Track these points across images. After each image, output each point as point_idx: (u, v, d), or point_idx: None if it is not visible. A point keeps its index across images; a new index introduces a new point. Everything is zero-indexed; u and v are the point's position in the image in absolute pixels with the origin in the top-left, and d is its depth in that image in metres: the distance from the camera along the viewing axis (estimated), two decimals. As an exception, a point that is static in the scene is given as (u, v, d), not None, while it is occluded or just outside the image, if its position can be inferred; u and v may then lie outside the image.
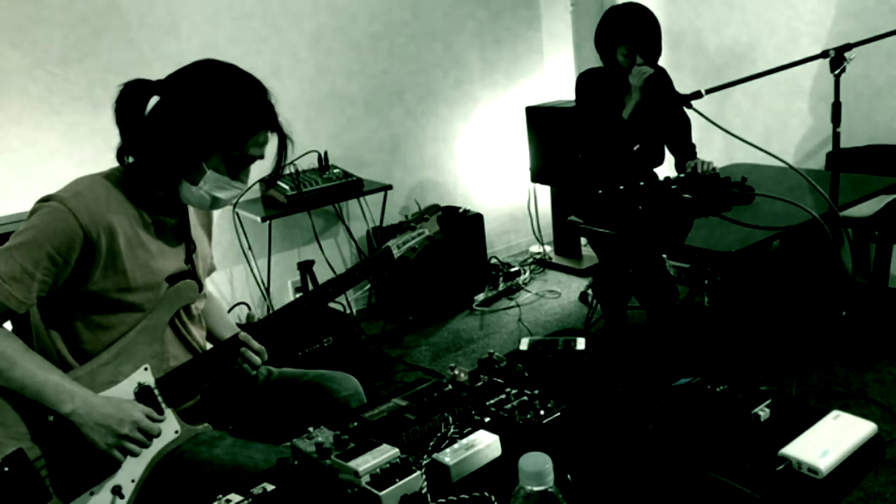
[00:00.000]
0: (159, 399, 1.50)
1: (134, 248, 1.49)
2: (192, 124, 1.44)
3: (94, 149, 3.10)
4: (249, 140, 1.49)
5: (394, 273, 3.78)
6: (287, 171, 3.37)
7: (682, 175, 2.55)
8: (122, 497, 1.44)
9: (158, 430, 1.47)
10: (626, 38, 2.83)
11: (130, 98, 1.47)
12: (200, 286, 1.65)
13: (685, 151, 3.09)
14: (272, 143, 1.55)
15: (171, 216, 1.59)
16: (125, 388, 1.47)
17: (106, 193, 1.47)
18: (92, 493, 1.42)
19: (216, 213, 1.83)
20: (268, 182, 3.37)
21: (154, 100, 1.49)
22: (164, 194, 1.54)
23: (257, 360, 1.60)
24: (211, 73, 1.49)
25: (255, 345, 1.60)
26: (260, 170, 1.63)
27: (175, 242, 1.60)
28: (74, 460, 1.41)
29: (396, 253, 1.70)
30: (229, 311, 3.53)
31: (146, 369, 1.50)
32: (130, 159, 1.52)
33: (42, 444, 1.39)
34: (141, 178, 1.51)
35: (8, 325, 1.48)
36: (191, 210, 1.67)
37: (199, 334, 1.67)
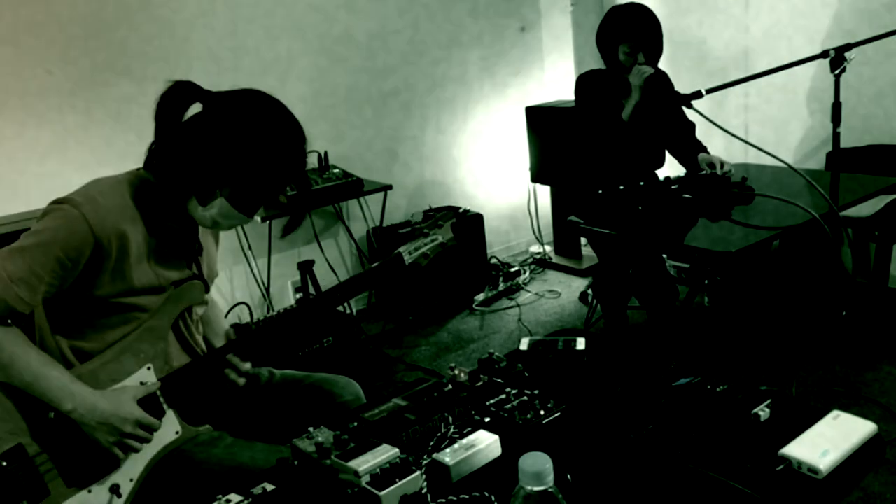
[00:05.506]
0: (161, 399, 1.50)
1: (144, 254, 1.47)
2: (220, 153, 1.42)
3: (92, 149, 3.08)
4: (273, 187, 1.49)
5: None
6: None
7: (682, 175, 2.56)
8: (119, 496, 1.44)
9: (159, 424, 1.47)
10: (628, 36, 2.83)
11: (175, 97, 1.45)
12: (206, 289, 1.64)
13: (691, 149, 3.06)
14: None
15: (183, 222, 1.57)
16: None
17: (121, 199, 1.45)
18: (90, 491, 1.42)
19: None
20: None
21: (195, 108, 1.47)
22: (175, 202, 1.52)
23: (240, 381, 1.60)
24: (258, 110, 1.46)
25: (243, 367, 1.60)
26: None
27: (184, 248, 1.59)
28: (74, 457, 1.41)
29: (408, 259, 1.66)
30: (229, 311, 3.53)
31: (149, 369, 1.50)
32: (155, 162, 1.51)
33: (41, 441, 1.39)
34: (157, 184, 1.50)
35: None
36: None
37: (201, 339, 1.67)
